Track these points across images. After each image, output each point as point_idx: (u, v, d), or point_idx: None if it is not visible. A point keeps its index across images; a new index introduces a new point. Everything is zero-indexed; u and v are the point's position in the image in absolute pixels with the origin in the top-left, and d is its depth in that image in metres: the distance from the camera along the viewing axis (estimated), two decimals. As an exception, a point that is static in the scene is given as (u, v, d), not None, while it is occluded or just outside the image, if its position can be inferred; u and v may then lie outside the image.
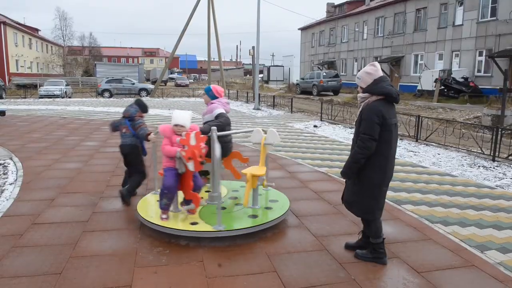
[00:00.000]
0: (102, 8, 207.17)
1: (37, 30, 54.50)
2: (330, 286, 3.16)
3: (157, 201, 4.22)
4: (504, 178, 6.61)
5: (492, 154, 7.95)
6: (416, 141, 10.03)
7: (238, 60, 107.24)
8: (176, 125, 4.04)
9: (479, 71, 23.97)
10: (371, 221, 3.51)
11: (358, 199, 3.47)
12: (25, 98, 27.15)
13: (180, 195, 4.28)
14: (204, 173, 5.02)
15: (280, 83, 50.00)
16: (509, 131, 10.34)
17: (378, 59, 32.38)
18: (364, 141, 3.26)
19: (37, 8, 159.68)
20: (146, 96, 29.47)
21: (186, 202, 4.18)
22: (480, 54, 23.83)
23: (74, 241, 3.89)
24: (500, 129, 8.10)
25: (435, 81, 23.25)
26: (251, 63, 31.64)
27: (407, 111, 16.87)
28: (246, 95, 25.00)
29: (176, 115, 4.09)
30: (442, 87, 22.85)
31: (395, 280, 3.26)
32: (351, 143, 3.60)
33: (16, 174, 6.46)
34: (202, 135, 4.05)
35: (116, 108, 19.31)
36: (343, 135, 11.08)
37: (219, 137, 4.15)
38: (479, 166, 7.45)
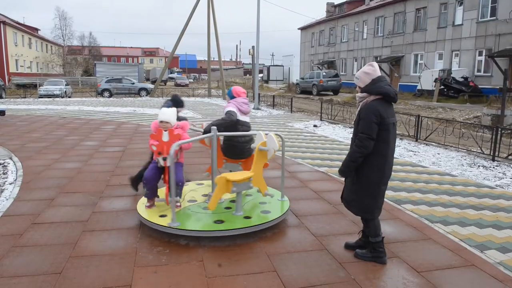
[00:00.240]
0: (102, 8, 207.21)
1: (36, 29, 54.47)
2: (330, 286, 3.16)
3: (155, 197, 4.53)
4: (504, 178, 6.61)
5: (492, 154, 7.95)
6: (416, 140, 10.03)
7: (238, 59, 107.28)
8: (161, 121, 4.25)
9: (479, 70, 23.98)
10: (370, 220, 3.52)
11: (357, 198, 3.48)
12: (24, 97, 27.15)
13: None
14: None
15: (280, 83, 50.02)
16: (509, 131, 10.34)
17: (378, 59, 32.41)
18: (362, 140, 3.28)
19: (36, 7, 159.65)
20: (146, 95, 29.48)
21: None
22: (480, 53, 23.83)
23: (74, 241, 3.89)
24: (500, 129, 8.10)
25: (435, 80, 23.26)
26: (251, 62, 31.62)
27: (407, 111, 16.88)
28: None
29: (161, 112, 4.29)
30: (442, 86, 22.86)
31: (395, 280, 3.27)
32: (350, 142, 3.61)
33: (16, 173, 6.46)
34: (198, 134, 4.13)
35: (116, 108, 19.31)
36: (343, 135, 11.08)
37: (230, 137, 4.50)
38: (479, 166, 7.45)
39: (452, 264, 3.55)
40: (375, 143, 3.29)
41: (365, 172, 3.38)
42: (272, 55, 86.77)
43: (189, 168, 6.48)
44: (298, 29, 48.81)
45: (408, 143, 9.85)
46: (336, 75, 30.73)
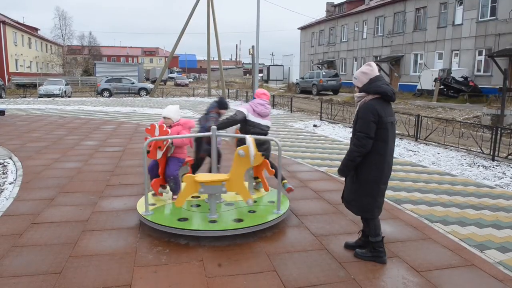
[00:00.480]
0: (102, 8, 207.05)
1: (36, 29, 54.44)
2: (329, 286, 3.16)
3: (153, 193, 4.78)
4: (503, 178, 6.62)
5: (491, 154, 7.96)
6: (416, 140, 10.03)
7: (238, 59, 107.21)
8: (164, 117, 4.60)
9: (478, 70, 23.98)
10: (370, 219, 3.52)
11: (356, 197, 3.49)
12: (24, 97, 27.14)
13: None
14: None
15: (279, 83, 50.00)
16: (508, 131, 10.34)
17: (378, 59, 32.41)
18: (360, 139, 3.29)
19: (36, 7, 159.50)
20: (146, 95, 29.47)
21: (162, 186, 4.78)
22: (480, 53, 23.83)
23: (73, 241, 3.89)
24: (499, 129, 8.10)
25: (435, 80, 23.25)
26: (251, 62, 31.62)
27: (406, 111, 16.88)
28: (245, 94, 24.99)
29: (165, 109, 4.67)
30: (442, 86, 22.85)
31: (394, 279, 3.27)
32: (350, 142, 3.61)
33: (16, 173, 6.46)
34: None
35: (115, 108, 19.31)
36: (343, 135, 11.08)
37: (241, 139, 4.41)
38: (478, 166, 7.45)
39: (452, 263, 3.55)
40: (374, 142, 3.30)
41: (364, 172, 3.39)
42: (272, 54, 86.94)
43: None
44: (298, 28, 48.80)
45: (408, 142, 9.86)
46: (336, 75, 30.72)
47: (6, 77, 38.48)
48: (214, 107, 5.25)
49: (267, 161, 4.65)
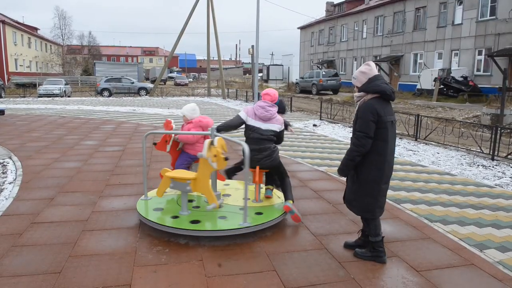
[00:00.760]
0: (101, 7, 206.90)
1: (36, 29, 54.40)
2: (329, 285, 3.16)
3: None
4: (503, 177, 6.62)
5: (491, 153, 7.96)
6: (416, 140, 10.03)
7: (238, 59, 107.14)
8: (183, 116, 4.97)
9: (478, 70, 23.98)
10: (370, 219, 3.52)
11: (357, 197, 3.48)
12: (24, 97, 27.13)
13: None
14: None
15: (279, 82, 49.99)
16: (508, 130, 10.35)
17: (378, 58, 32.41)
18: (359, 138, 3.29)
19: (36, 7, 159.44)
20: (146, 95, 29.46)
21: None
22: (480, 53, 23.83)
23: (73, 240, 3.88)
24: (499, 128, 8.11)
25: (435, 80, 23.25)
26: (251, 62, 31.60)
27: (406, 110, 16.89)
28: (245, 94, 24.99)
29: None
30: (442, 86, 22.85)
31: (394, 279, 3.27)
32: (350, 142, 3.61)
33: (15, 173, 6.45)
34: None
35: (115, 107, 19.31)
36: (343, 134, 11.08)
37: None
38: (478, 165, 7.45)
39: (452, 263, 3.55)
40: (373, 142, 3.29)
41: (364, 171, 3.39)
42: (272, 54, 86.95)
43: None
44: (298, 28, 48.79)
45: (408, 142, 9.86)
46: (336, 75, 30.71)
47: (6, 76, 38.46)
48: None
49: (257, 169, 4.38)
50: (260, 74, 50.55)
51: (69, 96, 28.51)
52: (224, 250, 3.74)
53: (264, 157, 4.33)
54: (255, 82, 20.94)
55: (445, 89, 22.85)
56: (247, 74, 68.55)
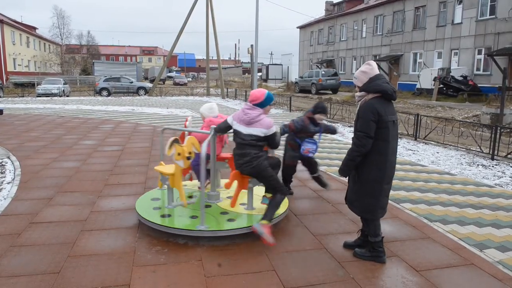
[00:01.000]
0: (100, 7, 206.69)
1: (34, 28, 54.33)
2: (329, 285, 3.15)
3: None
4: (503, 177, 6.62)
5: (491, 153, 7.96)
6: (415, 139, 10.03)
7: (237, 58, 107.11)
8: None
9: (478, 69, 24.00)
10: (370, 220, 3.51)
11: (358, 198, 3.47)
12: (22, 96, 27.08)
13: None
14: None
15: (278, 82, 49.96)
16: (508, 130, 10.35)
17: (377, 58, 32.41)
18: (360, 138, 3.28)
19: (34, 6, 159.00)
20: (145, 94, 29.44)
21: None
22: (479, 52, 23.85)
23: (72, 240, 3.87)
24: (499, 128, 8.10)
25: (434, 79, 23.26)
26: (250, 61, 31.60)
27: (406, 110, 16.89)
28: (244, 93, 24.97)
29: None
30: (441, 85, 22.87)
31: (393, 279, 3.26)
32: (350, 142, 3.60)
33: (14, 173, 6.44)
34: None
35: (114, 107, 19.28)
36: (342, 134, 11.06)
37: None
38: (478, 165, 7.45)
39: (451, 263, 3.54)
40: (374, 142, 3.28)
41: (365, 171, 3.38)
42: (271, 54, 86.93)
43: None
44: (297, 27, 48.78)
45: (407, 142, 9.85)
46: (335, 74, 30.70)
47: (4, 76, 38.42)
48: (309, 111, 4.99)
49: (236, 173, 4.09)
50: (260, 74, 50.51)
51: (67, 96, 28.47)
52: (223, 250, 3.73)
53: (244, 163, 3.94)
54: (254, 82, 20.95)
55: (444, 89, 22.86)
56: (246, 74, 68.51)
